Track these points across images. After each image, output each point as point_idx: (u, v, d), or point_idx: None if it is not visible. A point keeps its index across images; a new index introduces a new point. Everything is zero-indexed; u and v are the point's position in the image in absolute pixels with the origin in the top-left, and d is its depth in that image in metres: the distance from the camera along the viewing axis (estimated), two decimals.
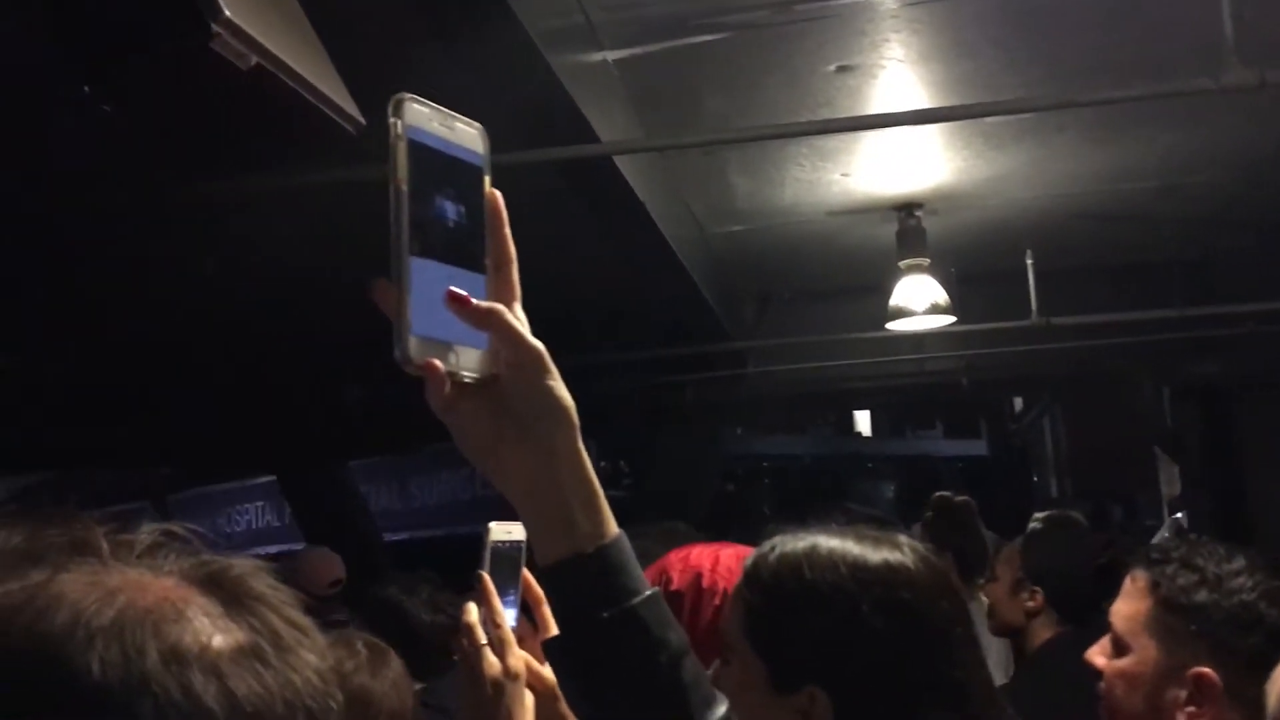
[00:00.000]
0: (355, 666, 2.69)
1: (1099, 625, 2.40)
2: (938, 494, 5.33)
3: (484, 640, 1.76)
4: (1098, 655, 2.30)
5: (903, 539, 1.69)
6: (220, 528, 17.27)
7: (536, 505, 1.15)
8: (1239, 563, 2.19)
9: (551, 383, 1.13)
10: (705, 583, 2.18)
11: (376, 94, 1.21)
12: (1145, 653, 2.18)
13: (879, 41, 4.66)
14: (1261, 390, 8.95)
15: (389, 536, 13.54)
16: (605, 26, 4.41)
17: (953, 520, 5.07)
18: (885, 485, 22.98)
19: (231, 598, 0.81)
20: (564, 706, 1.74)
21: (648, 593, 1.17)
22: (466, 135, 1.14)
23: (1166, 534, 9.51)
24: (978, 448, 22.88)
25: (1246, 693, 1.89)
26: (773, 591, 1.66)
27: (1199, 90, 3.89)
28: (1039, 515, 4.77)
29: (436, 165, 1.09)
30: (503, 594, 1.82)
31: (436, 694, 3.83)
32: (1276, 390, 8.80)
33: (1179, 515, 10.59)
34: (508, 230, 1.14)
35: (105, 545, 0.83)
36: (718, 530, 4.80)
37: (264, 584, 0.86)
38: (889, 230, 7.10)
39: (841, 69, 4.89)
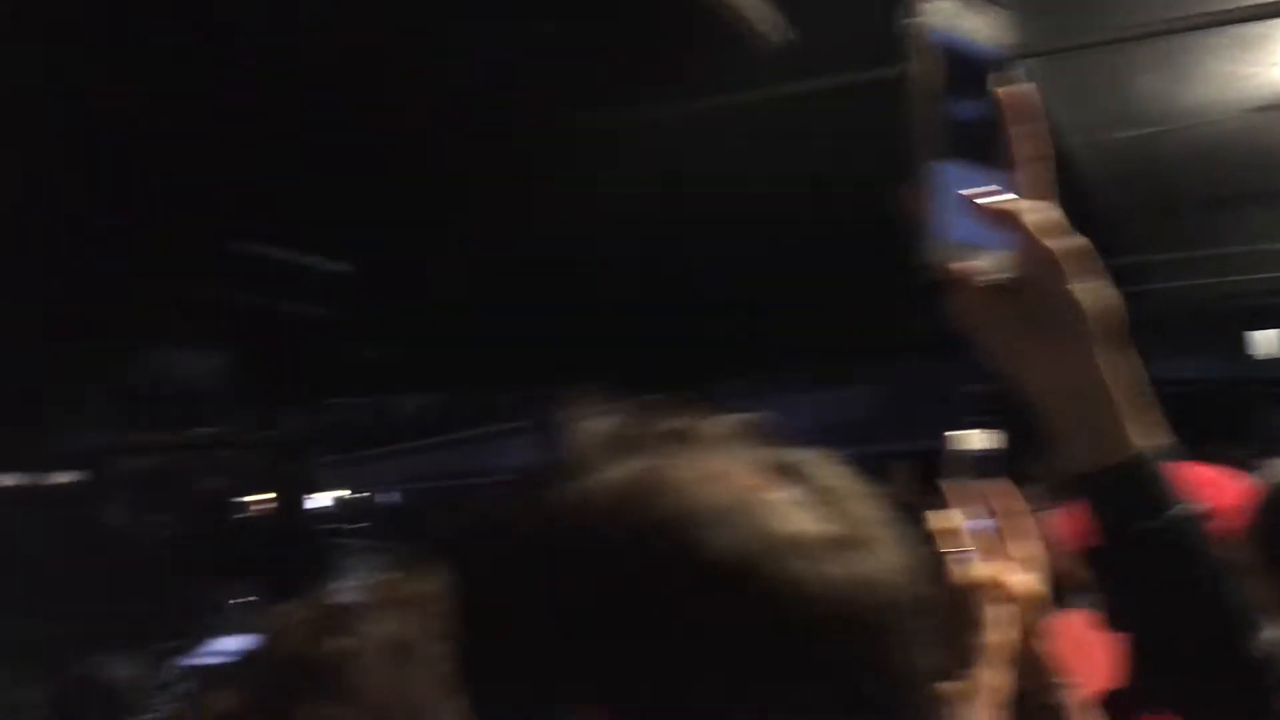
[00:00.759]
0: None
1: None
2: None
3: (954, 546, 1.76)
4: None
5: None
6: None
7: (1064, 408, 1.13)
8: None
9: (1074, 284, 1.10)
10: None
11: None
12: None
13: None
14: None
15: None
16: None
17: None
18: None
19: (813, 489, 0.85)
20: (1040, 619, 1.72)
21: (1191, 507, 1.13)
22: (983, 25, 1.09)
23: None
24: None
25: None
26: None
27: None
28: None
29: (955, 61, 1.06)
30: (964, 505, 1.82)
31: None
32: None
33: None
34: (1036, 124, 1.11)
35: (693, 434, 0.90)
36: None
37: (836, 477, 0.90)
38: None
39: None
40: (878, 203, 1.10)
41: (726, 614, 0.74)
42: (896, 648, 0.79)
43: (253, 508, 33.55)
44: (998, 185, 1.09)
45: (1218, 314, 12.03)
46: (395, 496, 27.11)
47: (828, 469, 0.89)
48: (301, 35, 4.16)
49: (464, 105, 4.87)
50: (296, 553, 29.61)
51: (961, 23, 1.07)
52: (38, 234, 6.55)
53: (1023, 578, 1.69)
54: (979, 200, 1.07)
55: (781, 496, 0.82)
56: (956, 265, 1.07)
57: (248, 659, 1.62)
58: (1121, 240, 7.82)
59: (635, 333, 9.90)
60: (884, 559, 0.82)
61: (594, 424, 0.91)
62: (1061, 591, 1.97)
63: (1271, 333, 20.66)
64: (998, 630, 1.74)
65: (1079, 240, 1.11)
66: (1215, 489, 2.07)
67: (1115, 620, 1.20)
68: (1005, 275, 1.10)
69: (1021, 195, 1.10)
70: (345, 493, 30.41)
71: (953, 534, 1.74)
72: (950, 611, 1.76)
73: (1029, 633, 1.74)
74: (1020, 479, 2.02)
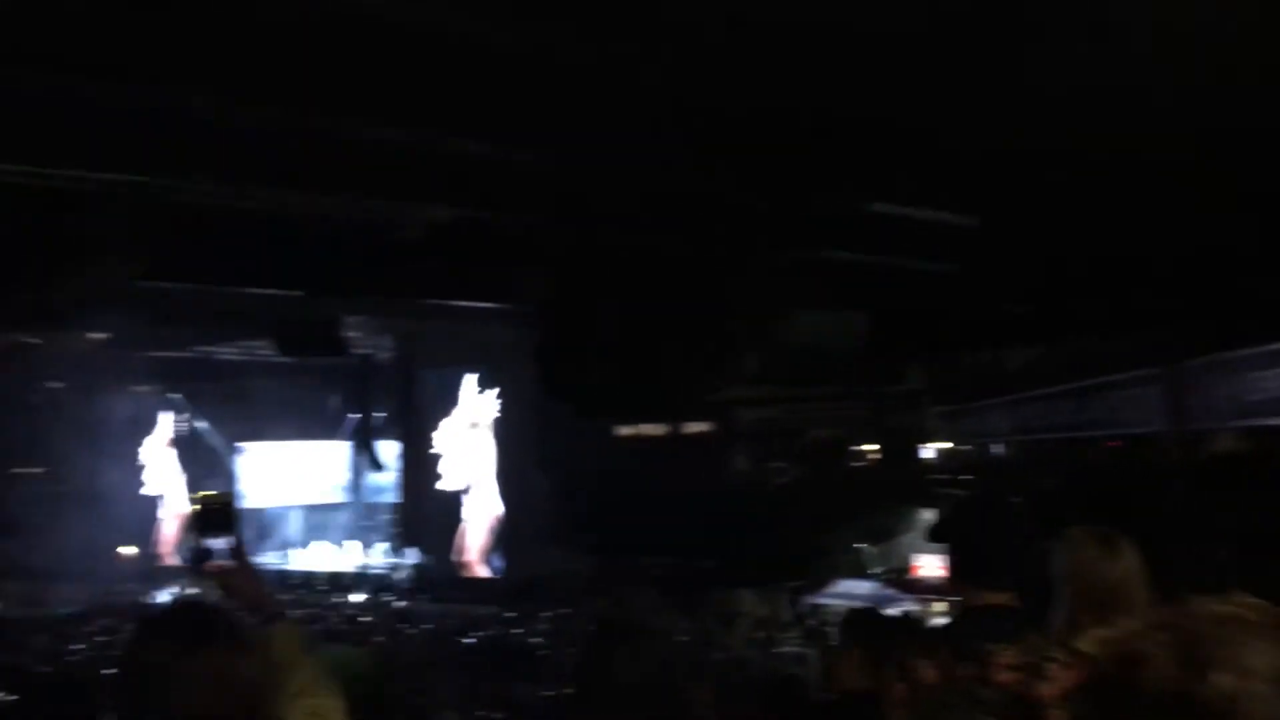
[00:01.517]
0: None
1: None
2: None
3: None
4: None
5: None
6: (1239, 395, 16.52)
7: None
8: None
9: None
10: None
11: None
12: None
13: None
14: None
15: None
16: None
17: None
18: None
19: None
20: None
21: None
22: None
23: None
24: None
25: None
26: None
27: None
28: None
29: None
30: None
31: None
32: None
33: None
34: None
35: None
36: None
37: None
38: None
39: None
40: None
41: None
42: None
43: (866, 457, 34.86)
44: None
45: None
46: (1002, 448, 26.63)
47: None
48: None
49: None
50: (904, 502, 30.30)
51: None
52: (677, 210, 7.25)
53: None
54: None
55: None
56: None
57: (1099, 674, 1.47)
58: None
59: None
60: None
61: None
62: None
63: None
64: None
65: None
66: None
67: None
68: None
69: None
70: (949, 444, 30.49)
71: None
72: None
73: None
74: None
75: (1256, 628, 1.25)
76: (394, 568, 35.80)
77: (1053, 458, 23.99)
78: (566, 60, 5.00)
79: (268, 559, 38.14)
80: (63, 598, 35.81)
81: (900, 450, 30.86)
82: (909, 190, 6.30)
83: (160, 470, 41.19)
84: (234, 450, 38.91)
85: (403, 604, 30.74)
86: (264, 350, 31.81)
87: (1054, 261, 8.32)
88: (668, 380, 9.81)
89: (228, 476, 38.59)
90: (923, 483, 29.38)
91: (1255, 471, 12.05)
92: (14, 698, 18.15)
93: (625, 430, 30.89)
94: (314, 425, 40.24)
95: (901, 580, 27.95)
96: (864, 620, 3.85)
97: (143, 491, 41.04)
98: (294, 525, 39.17)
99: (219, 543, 2.24)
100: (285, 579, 36.63)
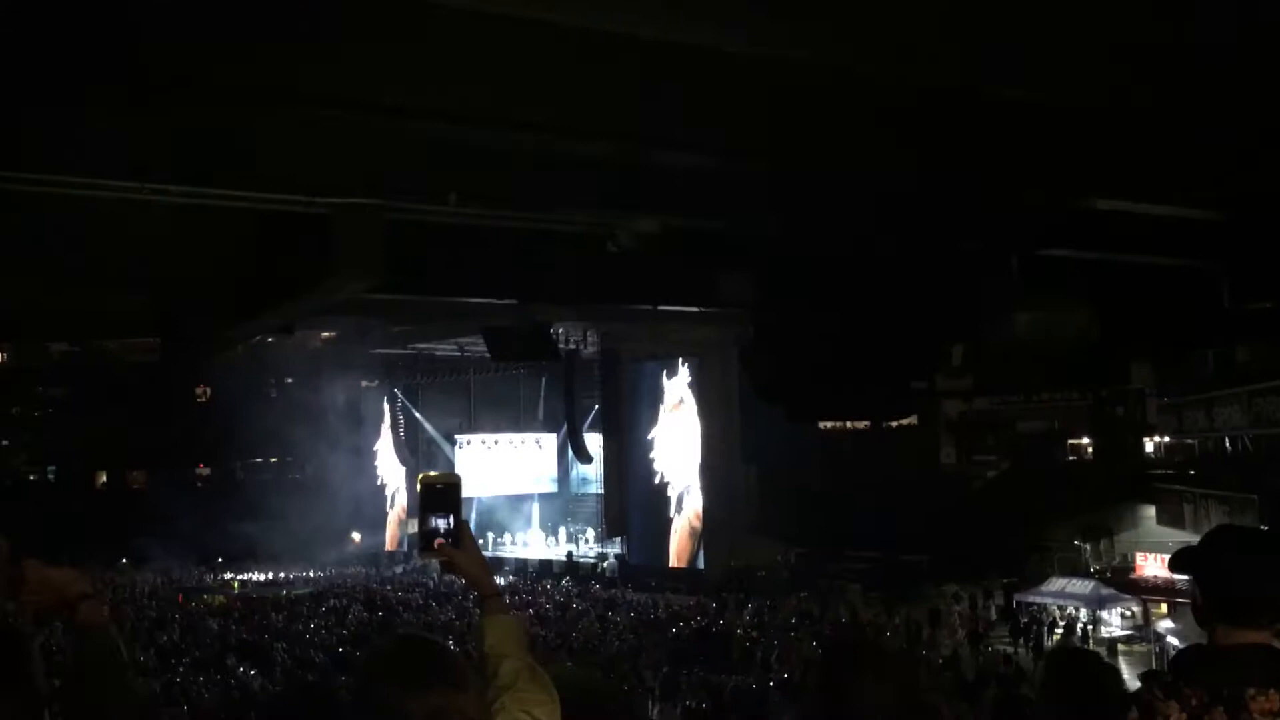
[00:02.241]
0: None
1: None
2: None
3: None
4: None
5: None
6: None
7: None
8: None
9: None
10: None
11: None
12: None
13: None
14: None
15: None
16: None
17: None
18: None
19: None
20: None
21: None
22: None
23: None
24: None
25: None
26: None
27: None
28: None
29: None
30: None
31: None
32: None
33: None
34: None
35: None
36: None
37: None
38: None
39: None
40: None
41: None
42: None
43: (1080, 452, 33.33)
44: None
45: None
46: (1227, 443, 24.98)
47: None
48: None
49: None
50: (1123, 498, 28.79)
51: None
52: (902, 218, 7.15)
53: None
54: None
55: None
56: None
57: None
58: None
59: None
60: None
61: None
62: None
63: None
64: None
65: None
66: None
67: None
68: None
69: None
70: (1165, 439, 28.78)
71: None
72: None
73: None
74: None
75: None
76: (600, 556, 36.64)
77: None
78: (777, 66, 5.03)
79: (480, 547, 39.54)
80: (297, 579, 38.38)
81: (1120, 444, 29.37)
82: (1143, 185, 6.03)
83: (384, 460, 43.53)
84: (451, 442, 40.66)
85: (609, 593, 31.43)
86: (478, 347, 33.12)
87: None
88: (881, 379, 9.68)
89: (446, 467, 40.38)
90: (1144, 478, 27.86)
91: None
92: (255, 671, 19.70)
93: (831, 424, 30.58)
94: (525, 418, 41.64)
95: (1121, 579, 26.61)
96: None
97: (369, 480, 43.50)
98: (505, 514, 40.67)
99: (443, 522, 2.30)
100: (498, 566, 38.09)
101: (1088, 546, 28.79)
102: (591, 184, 6.52)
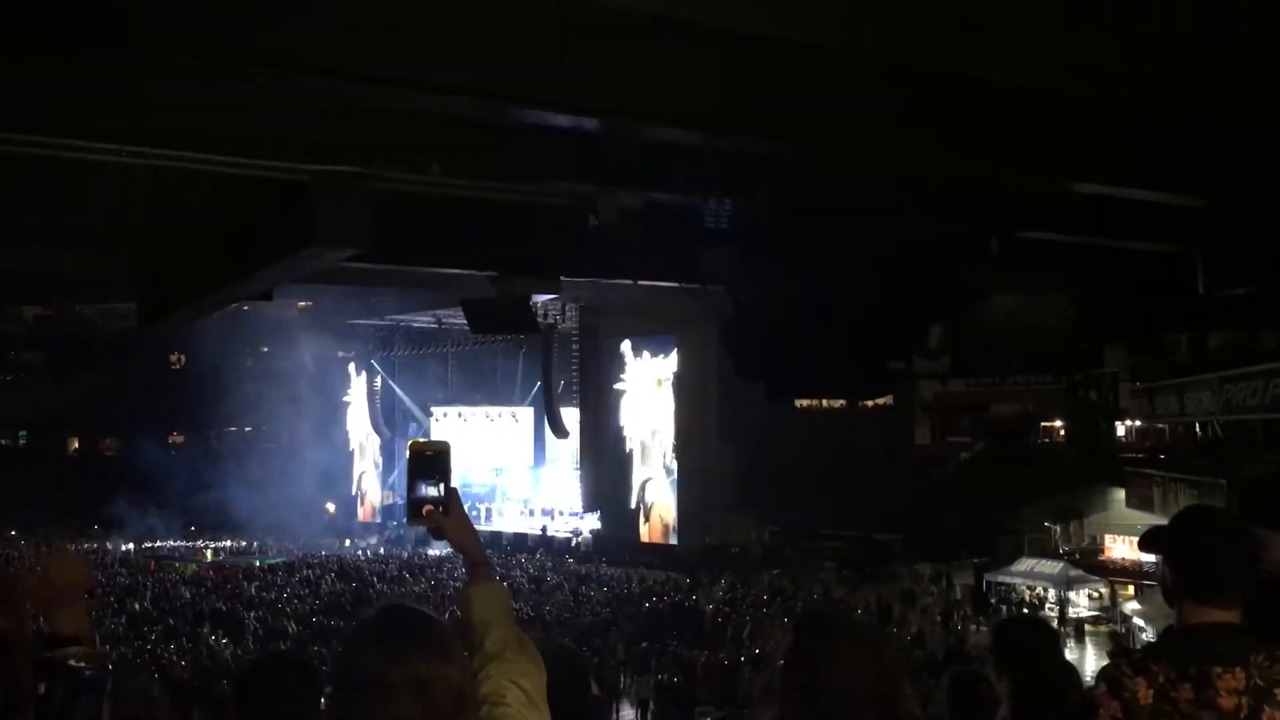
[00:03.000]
0: None
1: None
2: None
3: None
4: None
5: None
6: None
7: None
8: None
9: None
10: None
11: None
12: None
13: None
14: None
15: None
16: None
17: None
18: None
19: None
20: None
21: None
22: None
23: None
24: None
25: None
26: None
27: None
28: None
29: None
30: None
31: None
32: None
33: None
34: None
35: None
36: None
37: None
38: None
39: None
40: None
41: None
42: None
43: (1052, 435, 33.61)
44: None
45: None
46: (1198, 428, 25.26)
47: None
48: None
49: None
50: (1093, 481, 29.06)
51: None
52: (878, 195, 7.16)
53: None
54: None
55: None
56: None
57: None
58: None
59: None
60: None
61: None
62: None
63: None
64: None
65: None
66: None
67: None
68: None
69: None
70: (1136, 423, 29.06)
71: None
72: None
73: None
74: None
75: None
76: (575, 531, 36.77)
77: (1259, 440, 22.64)
78: (768, 45, 5.02)
79: None
80: (270, 548, 38.37)
81: (1092, 428, 29.63)
82: (1126, 169, 6.05)
83: (358, 430, 43.47)
84: (427, 414, 40.61)
85: (583, 567, 31.57)
86: (455, 320, 33.05)
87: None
88: (860, 359, 9.71)
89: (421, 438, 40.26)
90: (1115, 461, 28.16)
91: None
92: (227, 640, 19.72)
93: (807, 403, 30.71)
94: (502, 392, 41.62)
95: (1090, 561, 26.95)
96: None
97: (343, 450, 43.44)
98: (480, 487, 40.70)
99: (433, 489, 2.27)
100: None
101: (1058, 528, 29.12)
102: (575, 157, 6.51)
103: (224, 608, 24.37)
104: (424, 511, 2.26)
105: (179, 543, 38.37)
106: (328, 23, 4.23)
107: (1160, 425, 27.69)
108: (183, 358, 47.78)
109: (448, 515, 2.26)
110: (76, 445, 51.01)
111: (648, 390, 34.77)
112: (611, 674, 17.88)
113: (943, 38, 4.59)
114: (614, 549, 34.16)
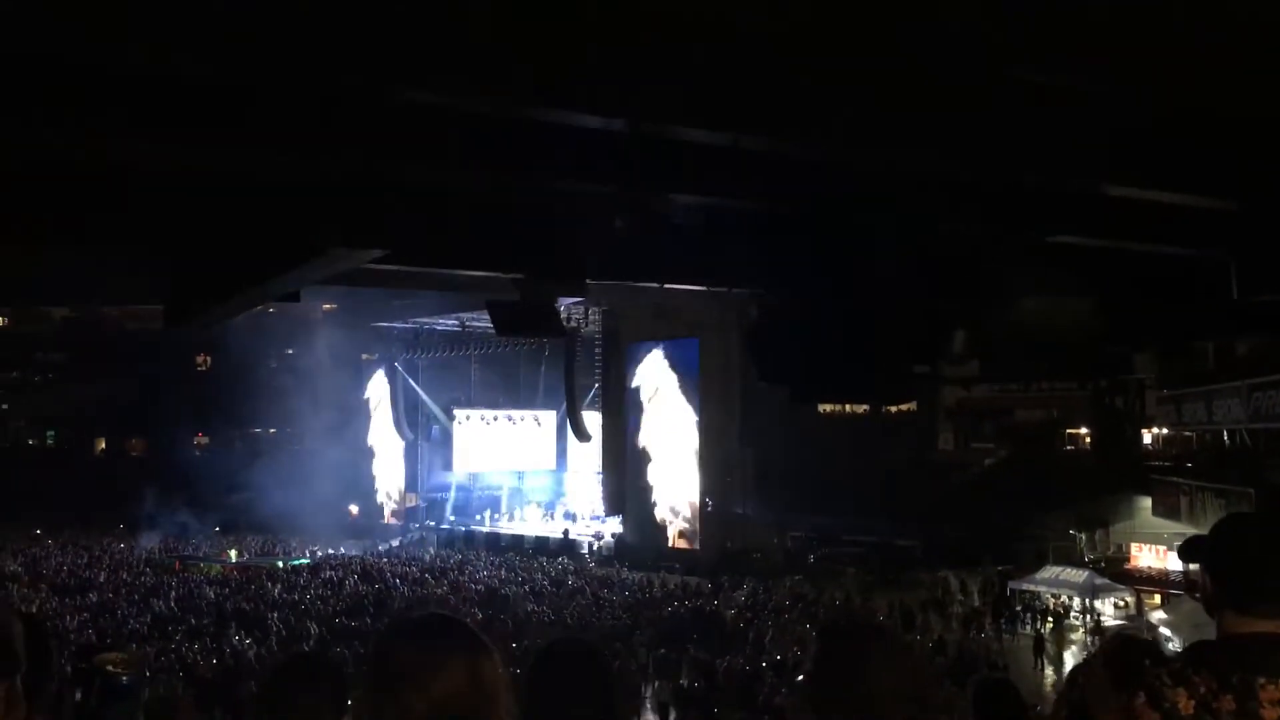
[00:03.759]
0: None
1: None
2: None
3: None
4: None
5: None
6: None
7: None
8: None
9: None
10: None
11: None
12: None
13: None
14: None
15: None
16: None
17: None
18: None
19: None
20: None
21: None
22: None
23: None
24: None
25: None
26: None
27: None
28: None
29: None
30: None
31: None
32: None
33: None
34: None
35: None
36: None
37: None
38: None
39: None
40: None
41: None
42: None
43: (1077, 442, 33.29)
44: None
45: None
46: (1225, 436, 25.00)
47: None
48: None
49: None
50: (1120, 488, 28.79)
51: None
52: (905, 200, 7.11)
53: None
54: None
55: None
56: None
57: None
58: None
59: None
60: None
61: None
62: None
63: None
64: None
65: None
66: None
67: None
68: None
69: None
70: (1163, 430, 28.79)
71: None
72: None
73: None
74: None
75: None
76: (596, 535, 36.73)
77: None
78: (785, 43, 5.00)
79: (477, 523, 39.93)
80: (294, 549, 38.49)
81: (1118, 435, 29.39)
82: (1154, 172, 5.98)
83: (381, 432, 43.58)
84: (449, 416, 40.68)
85: (604, 571, 31.52)
86: (479, 323, 33.12)
87: None
88: (884, 362, 9.64)
89: (445, 440, 40.44)
90: (1141, 469, 27.90)
91: None
92: (250, 640, 19.80)
93: (830, 408, 30.62)
94: (525, 395, 41.67)
95: (1116, 569, 26.70)
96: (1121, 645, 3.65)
97: (366, 452, 43.59)
98: (502, 490, 40.73)
99: None
100: (495, 542, 38.19)
101: (1083, 536, 28.87)
102: (603, 158, 6.49)
103: (248, 608, 24.48)
104: None
105: (204, 543, 38.58)
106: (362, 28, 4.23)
107: (1187, 433, 27.45)
108: (209, 359, 48.18)
109: None
110: (103, 445, 51.43)
111: (669, 394, 34.71)
112: (632, 679, 17.85)
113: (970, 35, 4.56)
114: (635, 553, 34.11)
